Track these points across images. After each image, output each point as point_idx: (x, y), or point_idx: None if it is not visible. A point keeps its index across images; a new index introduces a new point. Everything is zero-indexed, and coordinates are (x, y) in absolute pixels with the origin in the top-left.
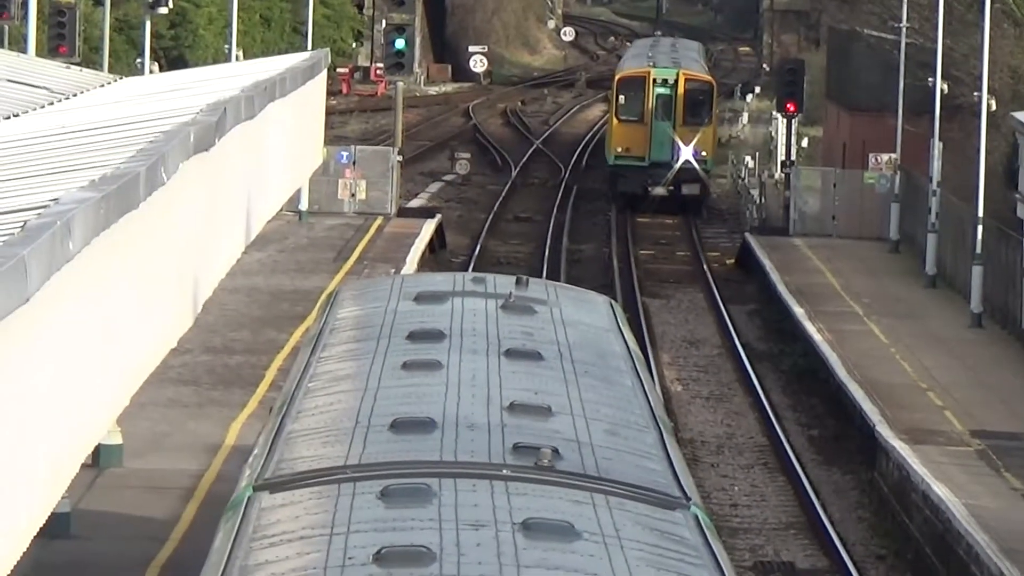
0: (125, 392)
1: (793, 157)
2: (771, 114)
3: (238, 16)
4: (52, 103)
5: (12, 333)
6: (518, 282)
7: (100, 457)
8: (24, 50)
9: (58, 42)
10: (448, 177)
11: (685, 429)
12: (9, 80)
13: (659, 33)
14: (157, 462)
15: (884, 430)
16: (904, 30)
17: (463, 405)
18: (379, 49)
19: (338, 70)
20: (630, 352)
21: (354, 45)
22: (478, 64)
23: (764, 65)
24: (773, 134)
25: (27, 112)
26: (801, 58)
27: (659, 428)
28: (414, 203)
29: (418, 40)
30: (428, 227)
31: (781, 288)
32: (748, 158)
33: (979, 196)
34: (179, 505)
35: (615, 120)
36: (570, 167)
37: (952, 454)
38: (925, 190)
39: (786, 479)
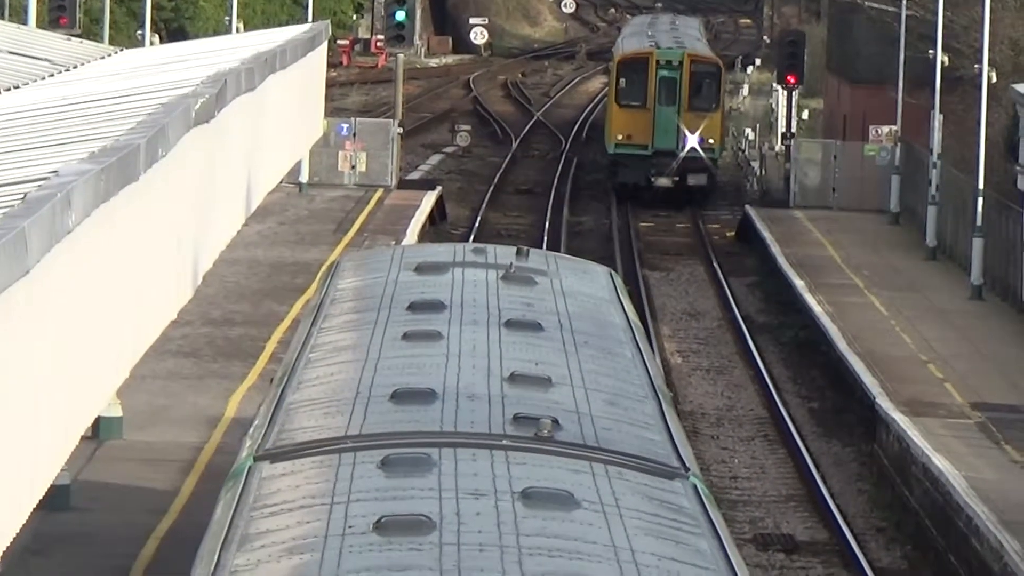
0: (125, 364)
1: (793, 129)
2: (772, 86)
3: None
4: (53, 75)
5: (12, 305)
6: (518, 253)
7: (100, 429)
8: (25, 22)
9: (58, 14)
10: (449, 149)
11: (685, 401)
12: (10, 52)
13: (659, 5)
14: (157, 434)
15: (884, 402)
16: (904, 2)
17: (463, 375)
18: (380, 21)
19: (338, 42)
20: (630, 323)
21: (355, 17)
22: (479, 36)
23: (765, 37)
24: (774, 106)
25: (28, 84)
26: (802, 30)
27: (658, 399)
28: (414, 175)
29: (419, 12)
30: (428, 199)
31: (781, 260)
32: (748, 130)
33: (979, 168)
34: (179, 477)
35: (615, 105)
36: (570, 139)
37: (952, 426)
38: (925, 162)
39: (786, 451)
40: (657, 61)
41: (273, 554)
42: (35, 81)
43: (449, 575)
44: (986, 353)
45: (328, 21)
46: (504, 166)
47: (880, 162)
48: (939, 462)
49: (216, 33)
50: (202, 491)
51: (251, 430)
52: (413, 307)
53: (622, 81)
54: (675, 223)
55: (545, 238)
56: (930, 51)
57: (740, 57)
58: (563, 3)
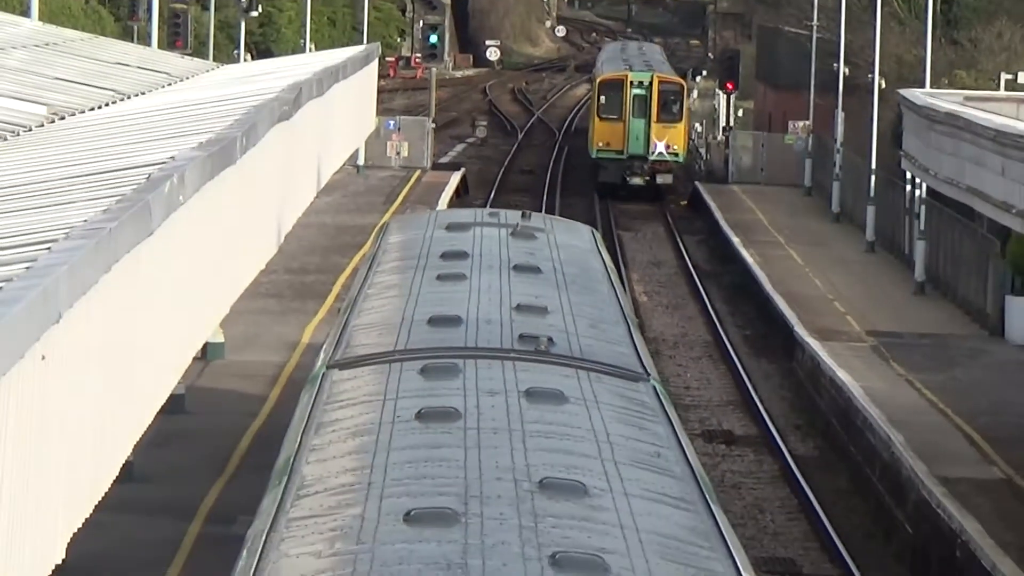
0: (226, 303)
1: (732, 124)
2: (715, 91)
3: (311, 18)
4: (170, 84)
5: (140, 260)
6: (523, 215)
7: (207, 352)
8: (149, 44)
9: (175, 38)
10: (470, 140)
11: (649, 330)
12: (139, 67)
13: (629, 31)
14: (250, 355)
15: (800, 330)
16: (815, 27)
17: (482, 306)
18: (418, 43)
19: (387, 59)
20: (606, 267)
21: (399, 40)
22: (493, 54)
23: (709, 54)
24: (716, 106)
25: (152, 91)
26: (737, 49)
27: (627, 323)
28: (444, 159)
29: (447, 36)
30: (455, 177)
31: (723, 223)
32: (697, 124)
33: (872, 153)
34: (267, 388)
35: (597, 118)
36: (563, 132)
37: (852, 348)
38: (831, 148)
39: (726, 367)
40: (631, 82)
41: (342, 436)
42: (157, 89)
43: (471, 451)
44: (877, 293)
45: (378, 43)
46: (512, 152)
47: (797, 148)
48: (842, 375)
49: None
50: (285, 398)
51: (324, 346)
52: (444, 256)
53: (602, 98)
54: (643, 196)
55: (543, 204)
56: (834, 64)
57: (691, 69)
58: (556, 29)
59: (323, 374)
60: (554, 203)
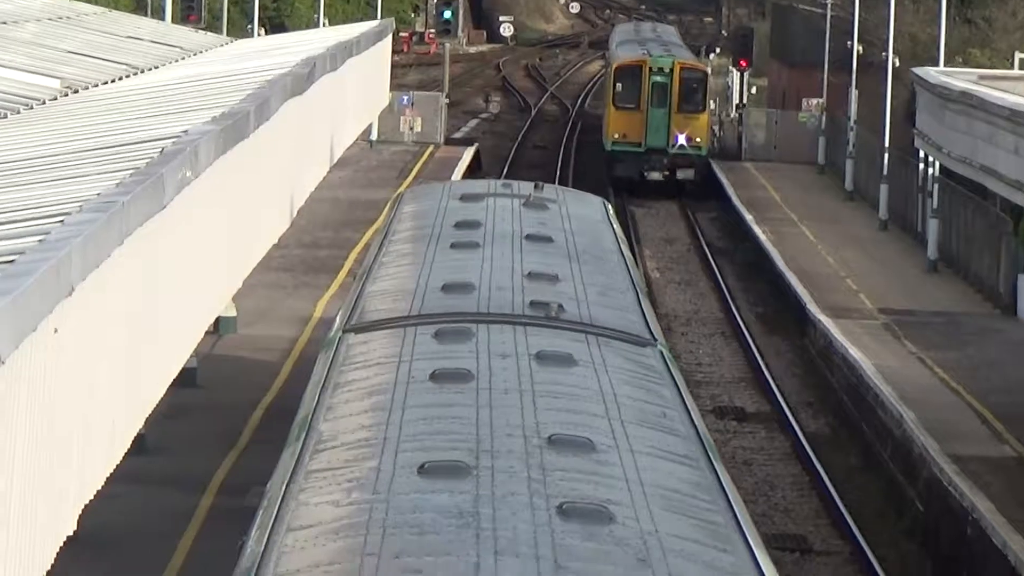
0: (238, 276)
1: (745, 101)
2: (728, 68)
3: None
4: (184, 58)
5: (153, 233)
6: (536, 187)
7: (219, 326)
8: (163, 18)
9: (188, 12)
10: (483, 115)
11: (662, 306)
12: (153, 41)
13: (643, 8)
14: (263, 330)
15: (812, 308)
16: (829, 5)
17: (495, 274)
18: (431, 18)
19: (400, 34)
20: (617, 238)
21: (412, 15)
22: (506, 30)
23: (723, 31)
24: (730, 84)
25: (166, 64)
26: (751, 26)
27: (636, 291)
28: (457, 135)
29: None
30: (468, 153)
31: (735, 200)
32: (711, 102)
33: (885, 131)
34: (280, 362)
35: (612, 107)
36: (576, 108)
37: (864, 326)
38: (844, 126)
39: (738, 344)
40: (650, 68)
41: (358, 395)
42: (171, 62)
43: (483, 410)
44: (890, 271)
45: (392, 18)
46: (525, 128)
47: (810, 126)
48: (854, 352)
49: (308, 27)
50: (297, 372)
51: (340, 312)
52: (458, 225)
53: (619, 85)
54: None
55: (556, 178)
56: (848, 42)
57: (704, 47)
58: (570, 5)
59: (339, 338)
60: (567, 178)
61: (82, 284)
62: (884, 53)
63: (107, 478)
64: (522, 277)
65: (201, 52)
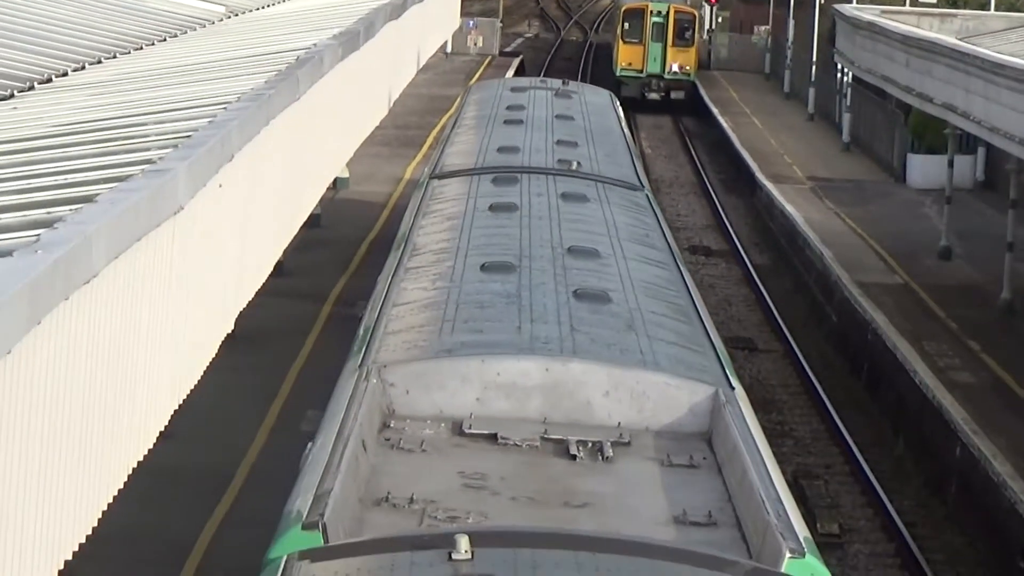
0: (351, 148)
1: (713, 27)
2: (702, 4)
3: None
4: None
5: (291, 117)
6: (563, 83)
7: (337, 184)
8: None
9: None
10: (526, 36)
11: (651, 172)
12: None
13: None
14: (369, 187)
15: (760, 175)
16: None
17: (534, 140)
18: None
19: None
20: (619, 119)
21: None
22: None
23: None
24: (704, 15)
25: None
26: None
27: (631, 153)
28: (508, 49)
29: None
30: (515, 62)
31: (706, 99)
32: (699, 38)
33: (813, 49)
34: (379, 210)
35: (621, 41)
36: (592, 30)
37: (796, 189)
38: (784, 46)
39: (706, 201)
40: (651, 11)
41: (439, 220)
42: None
43: (524, 230)
44: (815, 150)
45: None
46: (556, 45)
47: (760, 46)
48: (790, 207)
49: None
50: (393, 217)
51: (426, 167)
52: (509, 107)
53: (626, 24)
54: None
55: (579, 76)
56: None
57: None
58: None
59: (427, 182)
60: (586, 75)
61: (239, 152)
62: None
63: (256, 291)
64: (553, 144)
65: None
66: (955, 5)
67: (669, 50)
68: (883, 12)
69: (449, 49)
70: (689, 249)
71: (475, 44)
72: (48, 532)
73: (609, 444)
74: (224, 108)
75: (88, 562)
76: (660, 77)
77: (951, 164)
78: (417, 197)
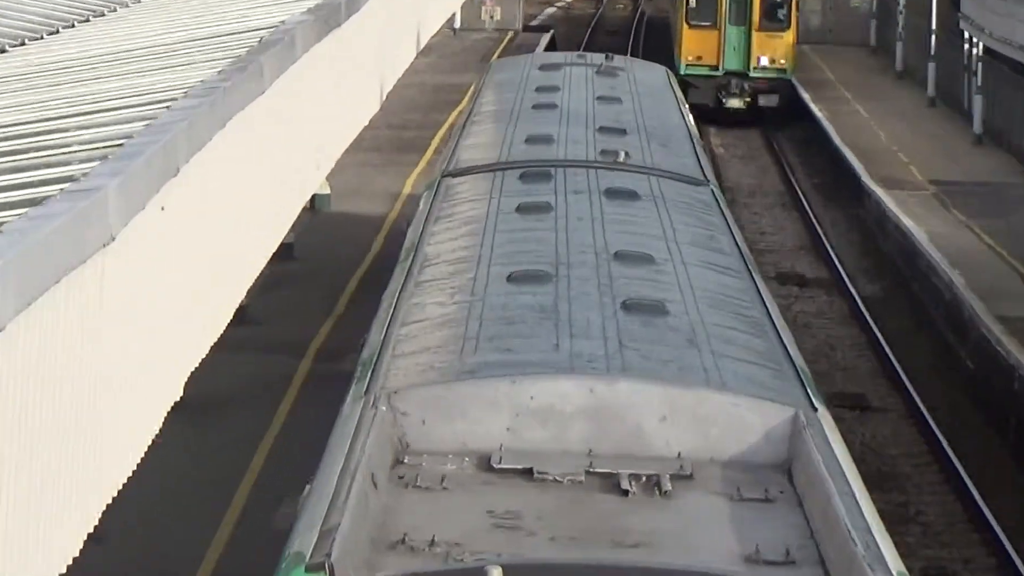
0: (331, 156)
1: None
2: None
3: None
4: None
5: (254, 116)
6: (607, 57)
7: (315, 203)
8: None
9: None
10: (559, 3)
11: (726, 179)
12: None
13: None
14: (356, 205)
15: (867, 179)
16: None
17: (571, 128)
18: None
19: None
20: (677, 98)
21: None
22: None
23: None
24: None
25: None
26: None
27: (692, 141)
28: (534, 22)
29: None
30: (544, 38)
31: (793, 80)
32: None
33: (932, 14)
34: (371, 235)
35: (685, 25)
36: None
37: (915, 196)
38: (895, 10)
39: (798, 214)
40: None
41: (456, 224)
42: None
43: (560, 233)
44: (938, 145)
45: None
46: (598, 15)
47: (863, 10)
48: (907, 221)
49: None
50: (389, 246)
51: (440, 162)
52: (539, 89)
53: (692, 1)
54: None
55: (628, 53)
56: None
57: None
58: None
59: (439, 182)
60: (637, 51)
61: (186, 166)
62: None
63: (211, 346)
64: (594, 130)
65: None
66: None
67: (755, 36)
68: None
69: (458, 24)
70: (776, 278)
71: (491, 17)
72: None
73: (668, 477)
74: (167, 107)
75: None
76: (743, 76)
77: None
78: (427, 199)
